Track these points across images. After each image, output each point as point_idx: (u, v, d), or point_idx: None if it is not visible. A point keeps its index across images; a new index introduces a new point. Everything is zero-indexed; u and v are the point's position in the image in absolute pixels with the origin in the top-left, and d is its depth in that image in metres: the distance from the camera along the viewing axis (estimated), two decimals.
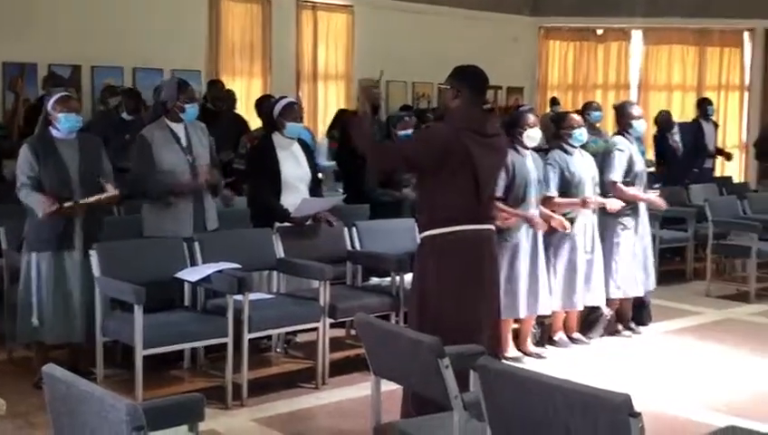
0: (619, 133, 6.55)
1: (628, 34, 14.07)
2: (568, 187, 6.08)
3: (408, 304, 4.44)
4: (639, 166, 6.48)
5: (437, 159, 4.06)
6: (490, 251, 4.27)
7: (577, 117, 6.31)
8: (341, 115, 8.55)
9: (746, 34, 13.78)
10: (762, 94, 13.66)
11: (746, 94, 13.86)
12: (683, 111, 13.40)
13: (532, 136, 5.86)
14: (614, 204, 6.25)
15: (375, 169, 6.35)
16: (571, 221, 6.08)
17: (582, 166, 6.19)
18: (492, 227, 4.29)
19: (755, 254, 7.87)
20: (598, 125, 9.14)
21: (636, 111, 6.56)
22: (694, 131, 10.31)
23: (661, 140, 10.14)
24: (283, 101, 5.94)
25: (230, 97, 9.04)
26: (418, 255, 4.24)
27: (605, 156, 6.43)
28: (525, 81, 14.12)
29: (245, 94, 10.34)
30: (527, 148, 5.89)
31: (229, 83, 10.38)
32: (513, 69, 13.81)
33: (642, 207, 6.55)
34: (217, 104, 8.66)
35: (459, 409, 2.86)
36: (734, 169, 13.61)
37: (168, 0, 10.15)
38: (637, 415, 2.33)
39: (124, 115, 7.48)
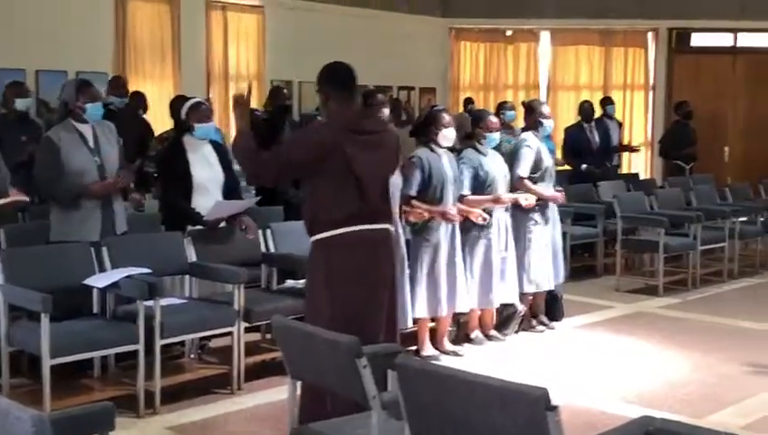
0: (526, 130, 6.65)
1: (537, 35, 14.28)
2: (481, 186, 6.13)
3: (304, 309, 4.33)
4: (548, 162, 6.59)
5: (314, 161, 4.00)
6: (386, 252, 4.18)
7: (495, 120, 6.34)
8: (251, 116, 8.43)
9: (650, 35, 14.14)
10: (665, 93, 14.04)
11: (651, 93, 14.23)
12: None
13: (448, 136, 5.89)
14: (529, 199, 6.32)
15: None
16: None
17: (494, 165, 6.25)
18: (387, 226, 4.20)
19: (662, 248, 8.07)
20: (511, 124, 9.28)
21: (546, 109, 6.69)
22: (599, 130, 10.50)
23: (578, 131, 10.23)
24: (190, 102, 5.84)
25: (136, 99, 8.80)
26: (309, 261, 4.18)
27: (513, 152, 6.52)
28: (437, 81, 14.21)
29: (157, 96, 10.10)
30: (442, 147, 5.93)
31: (138, 85, 10.14)
32: (426, 70, 13.91)
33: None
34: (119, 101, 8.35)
35: (378, 408, 2.83)
36: (641, 166, 13.99)
37: None
38: (553, 409, 2.34)
39: (18, 105, 7.13)
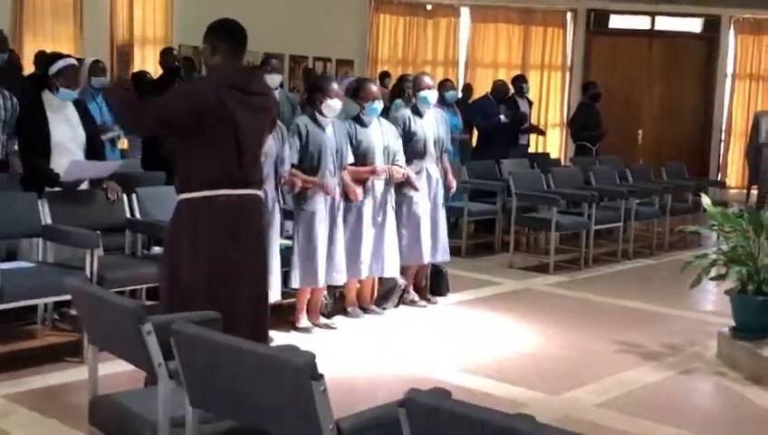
0: (409, 105, 6.57)
1: (457, 11, 14.20)
2: (356, 156, 5.99)
3: (159, 274, 4.17)
4: (426, 134, 6.49)
5: (194, 117, 3.78)
6: (256, 218, 4.04)
7: (374, 88, 6.19)
8: (137, 77, 8.20)
9: (569, 15, 14.16)
10: (582, 74, 14.07)
11: (568, 74, 14.26)
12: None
13: (332, 106, 5.73)
14: (398, 172, 6.17)
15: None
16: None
17: (375, 136, 6.11)
18: (258, 192, 4.06)
19: (554, 226, 8.05)
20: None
21: (426, 82, 6.55)
22: (509, 108, 10.45)
23: (486, 103, 10.19)
24: (62, 62, 5.58)
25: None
26: (172, 220, 3.98)
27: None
28: (356, 54, 14.03)
29: None
30: (326, 116, 5.77)
31: (37, 45, 9.76)
32: (344, 41, 13.71)
33: (435, 176, 6.55)
34: None
35: (164, 377, 2.68)
36: (555, 146, 14.03)
37: None
38: (318, 377, 2.22)
39: None
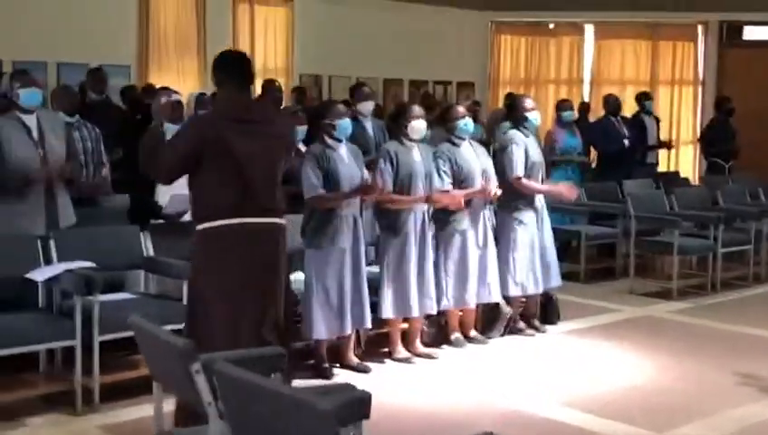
0: (513, 127, 6.38)
1: (581, 29, 13.84)
2: (457, 179, 5.86)
3: (186, 306, 4.22)
4: (535, 158, 6.29)
5: (196, 153, 3.93)
6: (272, 245, 4.05)
7: (461, 108, 6.10)
8: None
9: (699, 28, 13.56)
10: (715, 89, 13.42)
11: (700, 89, 13.65)
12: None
13: (417, 128, 5.67)
14: (492, 189, 5.91)
15: None
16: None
17: (471, 157, 5.97)
18: (275, 220, 4.08)
19: (676, 250, 7.65)
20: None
21: (528, 103, 6.38)
22: (634, 126, 10.05)
23: (606, 124, 9.80)
24: (164, 98, 5.79)
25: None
26: (191, 250, 4.10)
27: (502, 152, 6.24)
28: (476, 76, 13.88)
29: (181, 91, 10.07)
30: (412, 140, 5.70)
31: (161, 79, 10.12)
32: (464, 64, 13.60)
33: (540, 201, 6.34)
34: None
35: (214, 417, 2.64)
36: (688, 164, 13.43)
37: None
38: (346, 424, 2.12)
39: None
